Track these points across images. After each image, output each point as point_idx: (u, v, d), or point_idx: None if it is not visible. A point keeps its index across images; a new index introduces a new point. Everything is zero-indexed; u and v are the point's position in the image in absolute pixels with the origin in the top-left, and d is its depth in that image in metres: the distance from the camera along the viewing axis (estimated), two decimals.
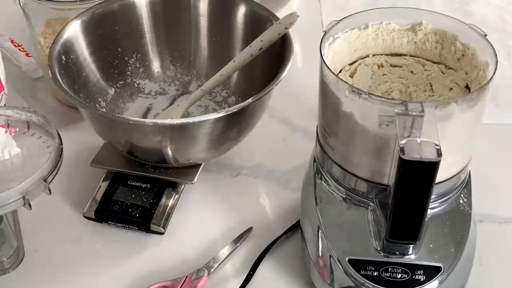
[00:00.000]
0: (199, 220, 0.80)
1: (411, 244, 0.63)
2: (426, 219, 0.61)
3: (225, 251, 0.75)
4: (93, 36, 0.85)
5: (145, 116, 0.89)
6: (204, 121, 0.71)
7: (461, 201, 0.69)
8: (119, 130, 0.76)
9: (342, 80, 0.61)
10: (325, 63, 0.62)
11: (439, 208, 0.67)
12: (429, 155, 0.53)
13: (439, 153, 0.53)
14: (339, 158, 0.67)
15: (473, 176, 0.71)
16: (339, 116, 0.63)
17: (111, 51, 0.88)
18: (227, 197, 0.83)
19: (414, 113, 0.55)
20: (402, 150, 0.53)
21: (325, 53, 0.65)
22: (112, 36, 0.88)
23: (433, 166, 0.53)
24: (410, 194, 0.56)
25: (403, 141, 0.54)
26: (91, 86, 0.86)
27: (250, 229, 0.78)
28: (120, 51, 0.89)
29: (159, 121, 0.73)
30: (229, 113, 0.71)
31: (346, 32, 0.70)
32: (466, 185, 0.70)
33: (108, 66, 0.88)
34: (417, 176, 0.54)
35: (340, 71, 0.70)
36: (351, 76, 0.69)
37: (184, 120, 0.70)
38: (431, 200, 0.58)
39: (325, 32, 0.67)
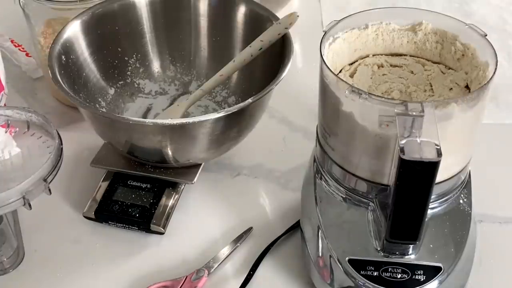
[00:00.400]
0: (199, 220, 0.80)
1: (411, 244, 0.63)
2: (426, 219, 0.61)
3: (225, 251, 0.75)
4: (93, 36, 0.85)
5: (145, 116, 0.89)
6: (204, 121, 0.71)
7: (461, 201, 0.69)
8: (119, 130, 0.75)
9: (342, 80, 0.61)
10: (325, 63, 0.62)
11: (439, 208, 0.67)
12: (429, 155, 0.53)
13: (439, 153, 0.53)
14: (339, 158, 0.67)
15: (473, 176, 0.71)
16: (339, 116, 0.63)
17: (111, 51, 0.88)
18: (227, 197, 0.83)
19: (414, 113, 0.55)
20: (402, 150, 0.53)
21: (325, 53, 0.65)
22: (112, 36, 0.88)
23: (433, 166, 0.53)
24: (410, 194, 0.56)
25: (403, 141, 0.54)
26: (91, 86, 0.86)
27: (250, 229, 0.78)
28: (120, 51, 0.89)
29: (159, 121, 0.73)
30: (229, 113, 0.71)
31: (346, 32, 0.70)
32: (466, 185, 0.70)
33: (108, 66, 0.88)
34: (417, 176, 0.54)
35: (340, 71, 0.70)
36: (351, 76, 0.69)
37: (184, 120, 0.70)
38: (431, 200, 0.58)
39: (325, 32, 0.67)
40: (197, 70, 0.93)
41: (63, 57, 0.80)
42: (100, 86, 0.87)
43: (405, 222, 0.59)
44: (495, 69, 0.61)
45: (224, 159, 0.86)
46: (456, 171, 0.65)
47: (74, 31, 0.83)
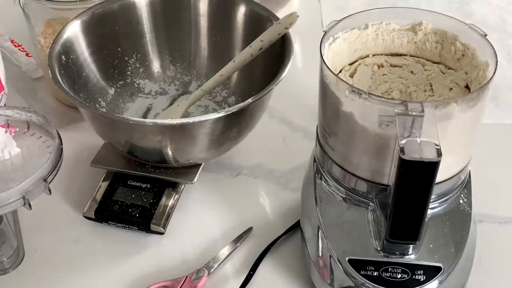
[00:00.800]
0: (199, 220, 0.80)
1: (411, 244, 0.63)
2: (426, 219, 0.61)
3: (225, 251, 0.75)
4: (93, 36, 0.85)
5: (145, 116, 0.89)
6: (204, 121, 0.71)
7: (461, 201, 0.69)
8: (119, 130, 0.75)
9: (342, 80, 0.61)
10: (325, 63, 0.62)
11: (439, 208, 0.67)
12: (429, 155, 0.53)
13: (439, 153, 0.53)
14: (339, 158, 0.67)
15: (473, 176, 0.71)
16: (339, 116, 0.63)
17: (111, 51, 0.88)
18: (227, 197, 0.83)
19: (414, 113, 0.55)
20: (402, 150, 0.53)
21: (325, 53, 0.65)
22: (112, 36, 0.88)
23: (433, 166, 0.53)
24: (410, 194, 0.56)
25: (403, 141, 0.54)
26: (91, 86, 0.86)
27: (250, 229, 0.78)
28: (120, 51, 0.89)
29: (159, 121, 0.73)
30: (229, 113, 0.71)
31: (346, 32, 0.70)
32: (466, 185, 0.70)
33: (108, 66, 0.88)
34: (417, 176, 0.54)
35: (340, 71, 0.70)
36: (351, 76, 0.69)
37: (184, 120, 0.70)
38: (431, 200, 0.58)
39: (325, 32, 0.67)
40: (197, 70, 0.93)
41: (63, 57, 0.80)
42: (100, 86, 0.87)
43: (405, 222, 0.58)
44: (495, 69, 0.61)
45: (224, 159, 0.86)
46: (456, 171, 0.65)
47: (74, 31, 0.83)
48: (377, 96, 0.58)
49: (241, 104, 0.71)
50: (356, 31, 0.71)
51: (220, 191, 0.83)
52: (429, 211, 0.62)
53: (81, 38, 0.84)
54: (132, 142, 0.76)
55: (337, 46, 0.69)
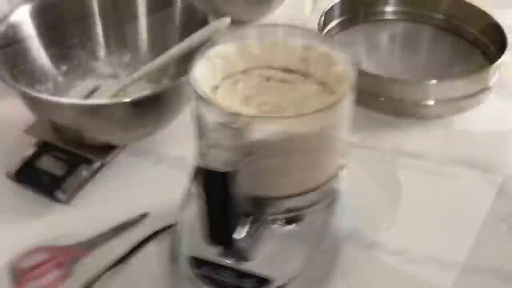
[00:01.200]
0: (105, 199, 0.84)
1: (227, 248, 0.64)
2: (282, 233, 0.64)
3: (113, 232, 0.79)
4: (40, 20, 0.91)
5: (88, 96, 0.93)
6: (112, 104, 0.76)
7: (324, 218, 0.69)
8: (39, 108, 0.82)
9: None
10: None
11: (293, 224, 0.68)
12: (217, 164, 0.54)
13: (228, 164, 0.54)
14: None
15: (342, 191, 0.71)
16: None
17: (58, 34, 0.93)
18: (140, 183, 0.86)
19: (234, 126, 0.57)
20: (202, 156, 0.56)
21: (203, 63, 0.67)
22: (60, 19, 0.93)
23: (219, 176, 0.55)
24: (210, 199, 0.57)
25: (206, 149, 0.56)
26: (36, 68, 0.91)
27: (145, 215, 0.80)
28: (67, 34, 0.94)
29: (70, 100, 0.78)
30: (139, 99, 0.75)
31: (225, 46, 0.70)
32: (333, 202, 0.70)
33: (55, 49, 0.93)
34: (212, 184, 0.56)
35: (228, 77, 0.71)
36: (235, 84, 0.70)
37: (93, 102, 0.75)
38: (282, 215, 0.60)
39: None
40: (139, 57, 0.97)
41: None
42: (47, 69, 0.92)
43: (216, 227, 0.60)
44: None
45: (145, 143, 0.88)
46: (310, 186, 0.66)
47: (21, 13, 0.89)
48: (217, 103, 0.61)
49: (152, 92, 0.77)
50: (255, 41, 0.72)
51: (135, 175, 0.87)
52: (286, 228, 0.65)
53: (28, 21, 0.90)
54: (51, 119, 0.82)
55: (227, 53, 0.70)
